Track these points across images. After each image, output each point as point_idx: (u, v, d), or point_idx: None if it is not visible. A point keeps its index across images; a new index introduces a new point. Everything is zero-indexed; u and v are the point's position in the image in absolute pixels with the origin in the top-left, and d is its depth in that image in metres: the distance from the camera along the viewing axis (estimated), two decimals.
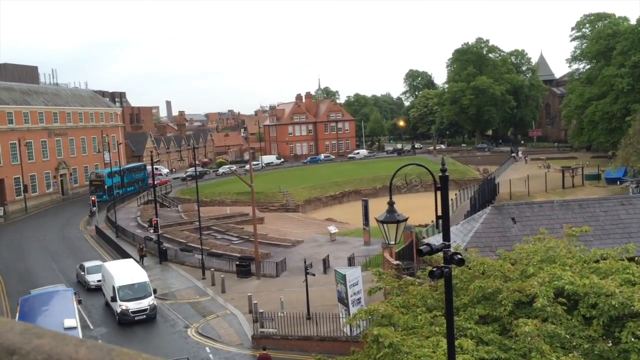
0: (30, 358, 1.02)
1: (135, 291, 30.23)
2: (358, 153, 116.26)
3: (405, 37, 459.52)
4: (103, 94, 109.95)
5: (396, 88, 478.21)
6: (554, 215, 22.19)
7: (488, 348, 11.04)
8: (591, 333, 11.19)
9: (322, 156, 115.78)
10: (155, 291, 32.09)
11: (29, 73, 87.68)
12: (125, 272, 31.73)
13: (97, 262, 38.40)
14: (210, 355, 25.17)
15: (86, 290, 35.86)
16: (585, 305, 11.55)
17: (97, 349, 1.09)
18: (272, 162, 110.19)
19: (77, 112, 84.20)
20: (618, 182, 60.66)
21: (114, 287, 30.23)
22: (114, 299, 30.20)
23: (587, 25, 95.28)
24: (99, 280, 35.20)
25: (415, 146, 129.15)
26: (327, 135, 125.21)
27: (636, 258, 14.55)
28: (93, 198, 61.77)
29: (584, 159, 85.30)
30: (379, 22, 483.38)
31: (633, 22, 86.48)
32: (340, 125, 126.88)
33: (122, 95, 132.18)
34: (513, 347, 11.10)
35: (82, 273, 37.62)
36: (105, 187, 71.02)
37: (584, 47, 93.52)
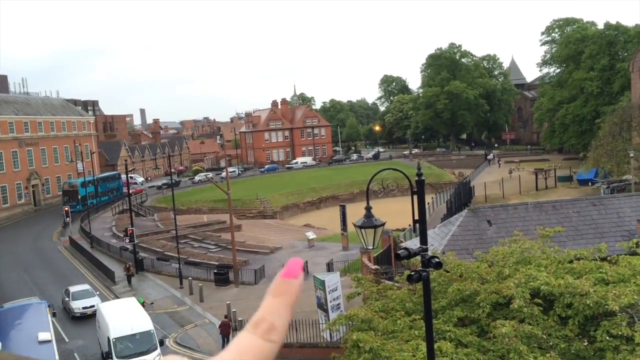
0: None
1: (136, 344, 23.88)
2: (297, 162, 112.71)
3: (379, 42, 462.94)
4: (75, 102, 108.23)
5: (371, 93, 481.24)
6: (529, 217, 22.52)
7: (467, 350, 11.11)
8: (567, 333, 11.35)
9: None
10: (162, 342, 25.61)
11: None
12: (123, 317, 24.95)
13: (84, 287, 34.45)
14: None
15: (70, 319, 32.15)
16: (561, 305, 11.72)
17: None
18: (306, 163, 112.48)
19: (48, 121, 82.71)
20: (590, 184, 61.82)
21: (108, 339, 23.81)
22: (108, 355, 23.85)
23: (556, 30, 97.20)
24: (85, 307, 31.76)
25: (380, 150, 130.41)
26: (304, 141, 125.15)
27: (608, 257, 14.81)
28: (66, 208, 60.59)
29: (556, 161, 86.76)
30: (353, 28, 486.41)
31: (600, 26, 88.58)
32: (316, 131, 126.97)
33: (94, 103, 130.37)
34: (491, 348, 11.19)
35: (67, 299, 33.37)
36: (79, 197, 69.77)
37: (553, 51, 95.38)
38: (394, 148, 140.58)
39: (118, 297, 36.47)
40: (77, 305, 32.16)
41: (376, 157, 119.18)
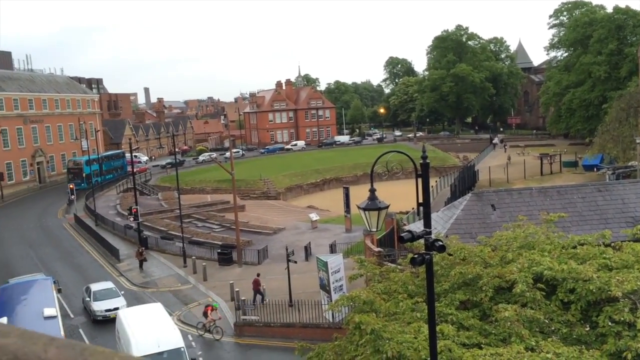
0: None
1: None
2: (296, 144, 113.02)
3: (385, 23, 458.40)
4: (79, 80, 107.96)
5: (376, 75, 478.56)
6: (533, 202, 22.46)
7: (469, 333, 11.15)
8: (569, 318, 11.36)
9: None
10: None
11: (2, 59, 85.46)
12: (148, 329, 20.71)
13: (107, 285, 30.66)
14: (193, 343, 25.10)
15: (92, 323, 28.41)
16: (564, 291, 11.72)
17: (68, 348, 1.02)
18: (344, 142, 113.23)
19: (53, 98, 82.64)
20: (595, 169, 61.60)
21: None
22: None
23: (565, 13, 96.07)
24: (108, 310, 27.80)
25: (369, 133, 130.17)
26: (308, 122, 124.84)
27: (612, 244, 14.78)
28: (71, 186, 60.85)
29: (561, 146, 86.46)
30: (359, 9, 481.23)
31: (609, 10, 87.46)
32: (320, 112, 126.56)
33: (99, 81, 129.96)
34: (493, 332, 11.22)
35: (88, 299, 29.34)
36: (84, 174, 70.00)
37: (561, 35, 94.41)
38: (401, 130, 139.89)
39: (123, 275, 36.79)
40: (99, 308, 28.31)
41: (380, 140, 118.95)
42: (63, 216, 57.49)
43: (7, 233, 49.65)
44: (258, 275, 30.56)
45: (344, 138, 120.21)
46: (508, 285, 12.45)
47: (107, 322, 27.07)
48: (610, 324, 10.75)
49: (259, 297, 29.27)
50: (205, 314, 26.34)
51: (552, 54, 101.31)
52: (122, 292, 30.45)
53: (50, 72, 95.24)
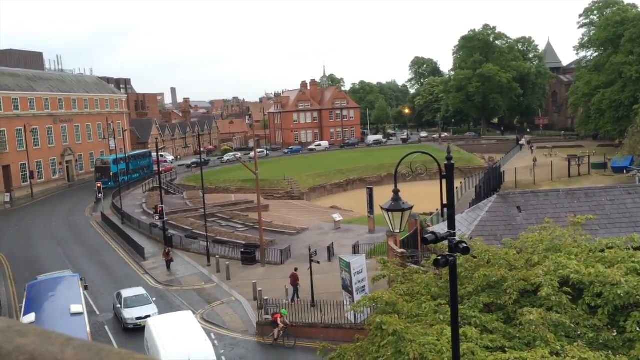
0: (12, 359, 0.95)
1: None
2: (320, 145, 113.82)
3: (411, 23, 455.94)
4: (108, 80, 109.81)
5: (402, 75, 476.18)
6: (560, 204, 22.08)
7: (492, 336, 11.02)
8: (596, 322, 11.14)
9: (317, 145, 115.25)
10: None
11: (34, 59, 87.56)
12: (178, 339, 19.97)
13: (138, 291, 29.45)
14: (216, 342, 25.31)
15: (123, 331, 27.43)
16: (591, 295, 11.50)
17: (85, 349, 1.03)
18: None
19: (82, 98, 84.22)
20: (624, 171, 60.23)
21: None
22: None
23: (595, 12, 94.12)
24: (139, 318, 26.33)
25: (390, 134, 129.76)
26: (332, 123, 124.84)
27: None
28: (99, 184, 61.94)
29: (590, 148, 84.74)
30: (384, 9, 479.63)
31: None
32: (345, 112, 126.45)
33: (127, 82, 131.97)
34: (517, 335, 11.07)
35: (119, 306, 28.21)
36: (111, 173, 71.18)
37: (591, 34, 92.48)
38: (427, 131, 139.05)
39: (148, 273, 37.28)
40: (131, 315, 27.11)
41: (405, 140, 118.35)
42: (90, 214, 58.54)
43: (37, 230, 50.75)
44: (296, 269, 30.72)
45: (377, 137, 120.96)
46: (533, 288, 12.26)
47: (137, 330, 25.74)
48: (638, 329, 10.52)
49: (296, 292, 29.76)
50: (274, 322, 25.51)
51: (582, 53, 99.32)
52: (154, 299, 29.23)
53: (80, 72, 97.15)
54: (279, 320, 25.33)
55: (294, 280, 29.95)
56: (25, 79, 75.07)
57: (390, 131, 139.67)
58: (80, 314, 23.05)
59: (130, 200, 63.82)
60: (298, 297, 29.50)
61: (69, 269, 34.64)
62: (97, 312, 30.04)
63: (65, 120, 78.76)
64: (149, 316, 25.30)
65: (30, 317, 22.26)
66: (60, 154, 77.03)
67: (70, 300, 24.19)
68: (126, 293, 28.86)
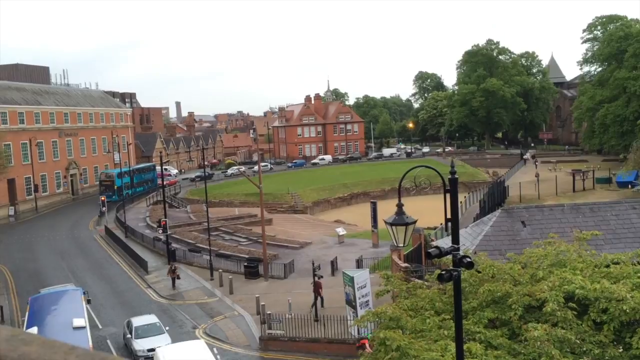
0: None
1: None
2: (323, 159, 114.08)
3: (414, 38, 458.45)
4: (113, 94, 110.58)
5: (405, 90, 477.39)
6: (565, 219, 21.98)
7: (497, 352, 10.92)
8: (602, 338, 11.04)
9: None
10: None
11: (40, 73, 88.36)
12: None
13: (150, 319, 27.13)
14: (218, 356, 25.14)
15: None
16: (596, 310, 11.41)
17: (88, 358, 1.04)
18: (392, 155, 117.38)
19: (87, 112, 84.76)
20: (629, 186, 59.99)
21: None
22: None
23: (599, 27, 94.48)
24: (150, 350, 24.02)
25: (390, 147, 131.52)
26: (336, 137, 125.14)
27: None
28: (103, 198, 62.09)
29: (595, 162, 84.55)
30: (388, 23, 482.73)
31: None
32: (349, 127, 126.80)
33: (132, 95, 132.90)
34: (522, 351, 10.97)
35: (129, 335, 26.20)
36: (115, 187, 71.38)
37: (595, 49, 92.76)
38: (428, 145, 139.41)
39: (151, 287, 37.19)
40: (142, 347, 25.04)
41: (409, 154, 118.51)
42: (94, 228, 58.59)
43: (40, 244, 50.81)
44: (320, 277, 30.50)
45: (391, 151, 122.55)
46: (538, 304, 12.17)
47: None
48: None
49: (319, 300, 29.68)
50: (362, 347, 25.20)
51: (586, 68, 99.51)
52: (167, 328, 26.84)
53: (85, 86, 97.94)
54: (367, 345, 24.76)
55: (318, 288, 29.95)
56: (31, 93, 75.66)
57: (402, 145, 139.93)
58: (83, 327, 22.99)
59: (134, 213, 63.89)
60: (322, 305, 29.66)
61: (72, 283, 34.61)
62: (100, 326, 29.94)
63: (70, 134, 79.18)
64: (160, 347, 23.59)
65: (33, 330, 22.20)
66: (64, 168, 77.34)
67: (73, 314, 24.13)
68: (137, 322, 26.61)
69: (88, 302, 28.54)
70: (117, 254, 46.49)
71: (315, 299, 29.61)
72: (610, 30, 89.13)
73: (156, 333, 25.75)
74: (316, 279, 30.18)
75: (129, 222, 55.82)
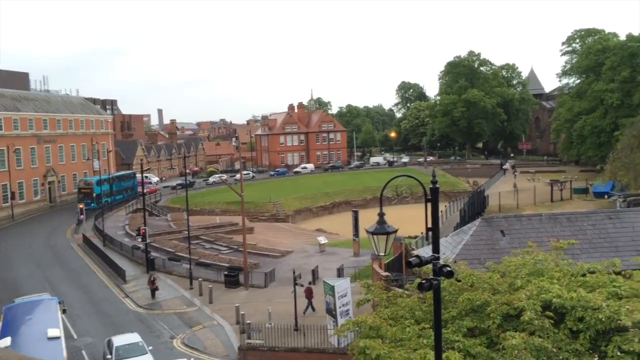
0: None
1: None
2: (305, 167, 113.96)
3: (397, 48, 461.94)
4: (94, 101, 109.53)
5: (388, 99, 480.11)
6: (543, 228, 22.20)
7: None
8: (578, 347, 11.14)
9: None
10: None
11: (19, 79, 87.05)
12: None
13: (132, 338, 25.15)
14: None
15: None
16: (573, 319, 11.51)
17: None
18: (379, 163, 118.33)
19: (67, 119, 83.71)
20: (606, 196, 60.97)
21: None
22: None
23: (578, 40, 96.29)
24: None
25: (362, 158, 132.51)
26: (319, 145, 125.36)
27: (622, 272, 14.55)
28: (81, 206, 61.20)
29: (572, 173, 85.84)
30: (372, 34, 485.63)
31: (622, 38, 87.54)
32: (332, 135, 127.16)
33: (113, 102, 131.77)
34: None
35: (109, 356, 23.98)
36: (94, 195, 70.42)
37: (574, 62, 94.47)
38: (410, 154, 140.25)
39: (128, 296, 36.67)
40: None
41: (391, 163, 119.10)
42: (72, 236, 57.71)
43: (16, 252, 49.87)
44: (310, 283, 31.90)
45: (378, 159, 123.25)
46: (516, 312, 12.25)
47: None
48: (619, 354, 10.52)
49: (310, 306, 30.50)
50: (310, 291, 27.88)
51: (564, 80, 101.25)
52: (150, 348, 24.82)
53: (65, 92, 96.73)
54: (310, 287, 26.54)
55: (309, 293, 30.60)
56: (10, 99, 74.56)
57: (389, 155, 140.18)
58: (57, 338, 22.51)
59: (113, 221, 63.10)
60: (314, 309, 30.27)
61: (47, 292, 33.93)
62: (75, 337, 29.39)
63: (49, 141, 78.09)
64: None
65: (6, 341, 21.69)
66: (42, 175, 76.17)
67: (48, 324, 23.64)
68: (118, 341, 24.49)
69: (64, 311, 27.98)
70: (94, 263, 45.81)
71: (308, 304, 30.35)
72: (588, 44, 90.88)
73: (139, 353, 23.87)
74: (308, 284, 31.27)
75: (107, 230, 55.08)
